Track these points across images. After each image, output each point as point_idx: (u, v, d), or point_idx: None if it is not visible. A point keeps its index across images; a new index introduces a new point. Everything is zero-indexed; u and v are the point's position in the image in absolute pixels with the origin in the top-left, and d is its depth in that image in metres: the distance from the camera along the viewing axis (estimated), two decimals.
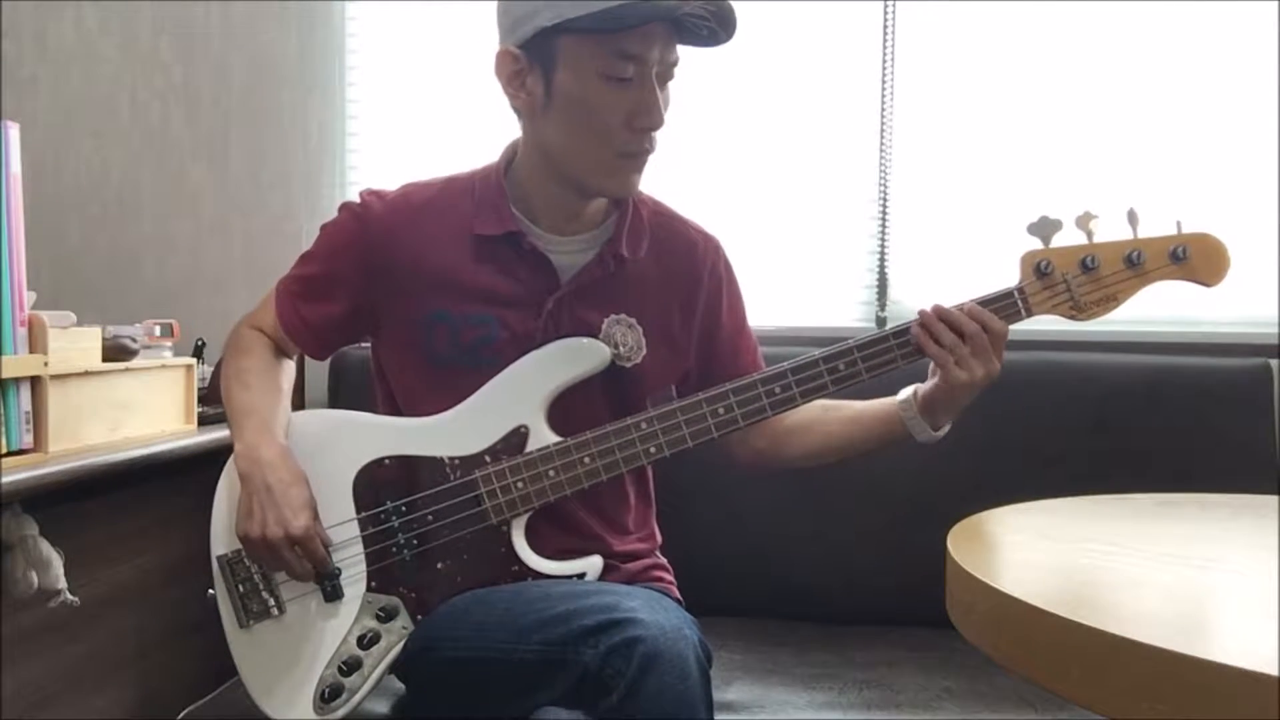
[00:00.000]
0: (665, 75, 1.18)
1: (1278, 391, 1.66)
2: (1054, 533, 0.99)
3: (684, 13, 1.12)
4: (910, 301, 1.88)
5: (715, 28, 1.15)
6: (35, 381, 1.28)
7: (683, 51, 1.20)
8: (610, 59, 1.14)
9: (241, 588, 1.21)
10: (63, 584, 1.28)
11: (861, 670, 1.42)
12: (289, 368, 1.36)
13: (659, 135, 1.20)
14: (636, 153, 1.20)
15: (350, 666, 1.16)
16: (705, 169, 1.90)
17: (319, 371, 1.79)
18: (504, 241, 1.25)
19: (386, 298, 1.28)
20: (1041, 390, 1.65)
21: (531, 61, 1.17)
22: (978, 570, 0.79)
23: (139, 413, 1.49)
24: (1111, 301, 1.20)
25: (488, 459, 1.21)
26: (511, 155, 1.29)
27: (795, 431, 1.33)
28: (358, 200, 1.30)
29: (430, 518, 1.21)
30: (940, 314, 1.19)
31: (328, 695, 1.16)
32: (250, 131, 2.01)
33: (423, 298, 1.26)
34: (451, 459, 1.22)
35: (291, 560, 1.16)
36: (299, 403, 1.37)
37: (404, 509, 1.21)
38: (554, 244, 1.27)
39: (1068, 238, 1.21)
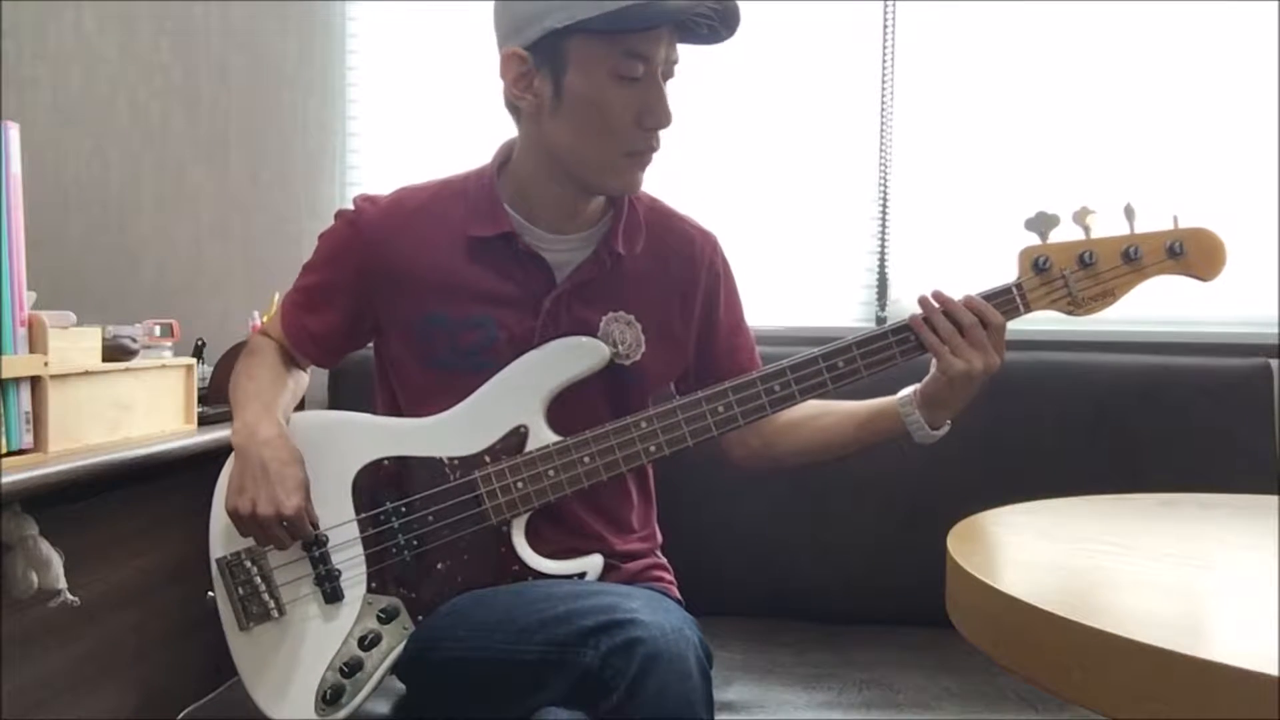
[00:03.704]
0: (668, 73, 1.19)
1: (1278, 391, 1.66)
2: (1054, 533, 0.99)
3: (695, 13, 1.13)
4: (910, 301, 1.87)
5: (717, 26, 1.16)
6: (35, 381, 1.28)
7: (684, 51, 1.20)
8: (621, 59, 1.14)
9: (241, 590, 1.21)
10: (63, 584, 1.27)
11: (861, 670, 1.42)
12: (299, 374, 1.36)
13: (665, 134, 1.21)
14: (644, 150, 1.20)
15: (351, 668, 1.16)
16: (705, 168, 1.90)
17: (319, 372, 1.78)
18: (498, 242, 1.25)
19: (384, 302, 1.28)
20: (1041, 390, 1.65)
21: (539, 63, 1.17)
22: (978, 570, 0.79)
23: (139, 413, 1.49)
24: (1109, 297, 1.21)
25: (487, 459, 1.21)
26: (505, 156, 1.29)
27: (790, 428, 1.33)
28: (352, 207, 1.31)
29: (430, 518, 1.21)
30: (939, 299, 1.20)
31: (329, 696, 1.16)
32: (250, 131, 2.01)
33: (419, 301, 1.26)
34: (451, 459, 1.22)
35: (280, 538, 1.16)
36: (299, 404, 1.37)
37: (404, 510, 1.21)
38: (549, 243, 1.27)
39: (1065, 233, 1.21)
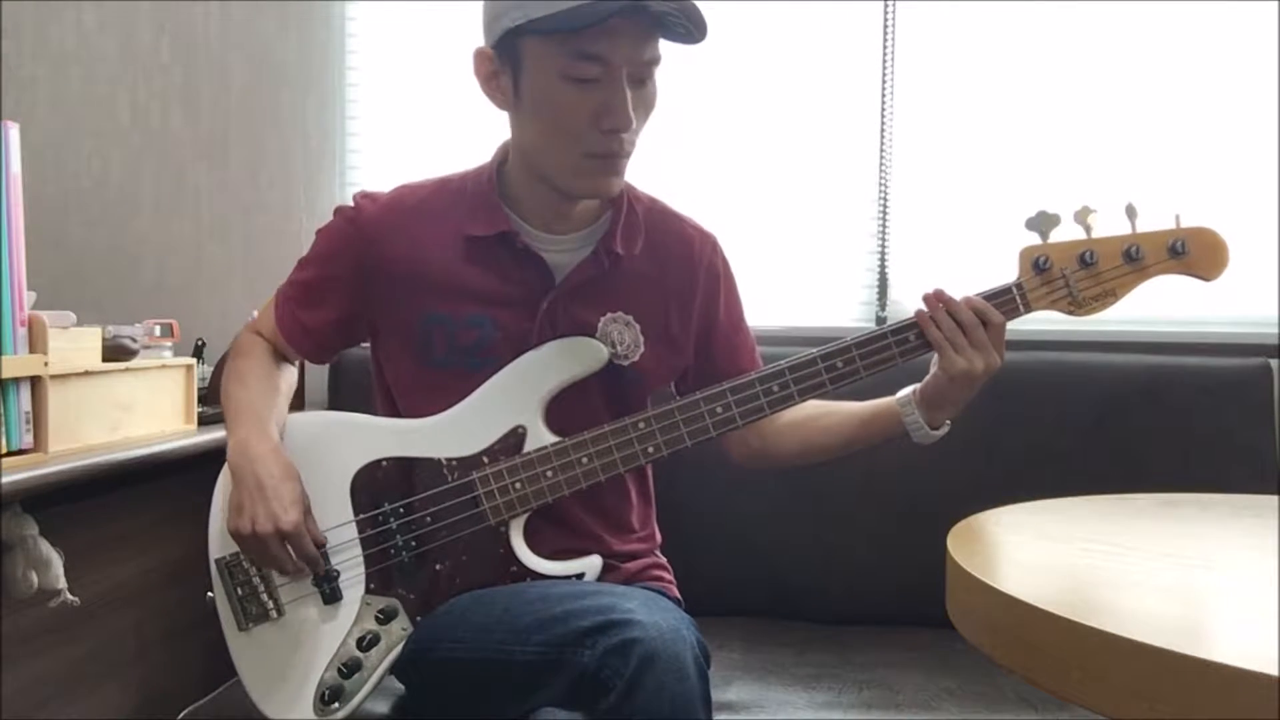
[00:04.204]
0: (638, 74, 1.15)
1: (1278, 391, 1.66)
2: (1054, 533, 0.99)
3: (654, 10, 1.09)
4: (910, 302, 1.88)
5: (685, 23, 1.12)
6: (35, 381, 1.28)
7: (683, 51, 1.19)
8: (570, 59, 1.12)
9: (240, 590, 1.21)
10: (63, 584, 1.28)
11: (861, 670, 1.42)
12: (289, 372, 1.36)
13: (645, 135, 1.19)
14: (605, 154, 1.17)
15: (350, 668, 1.16)
16: (705, 168, 1.90)
17: (319, 372, 1.79)
18: (497, 242, 1.25)
19: (382, 300, 1.28)
20: (1041, 390, 1.65)
21: (502, 62, 1.17)
22: (978, 570, 0.79)
23: (139, 413, 1.49)
24: (1110, 297, 1.20)
25: (485, 460, 1.21)
26: (504, 155, 1.29)
27: (790, 428, 1.33)
28: (351, 204, 1.30)
29: (428, 519, 1.21)
30: (942, 298, 1.19)
31: (328, 697, 1.16)
32: (250, 131, 2.01)
33: (418, 300, 1.26)
34: (449, 460, 1.22)
35: (282, 556, 1.16)
36: (298, 403, 1.37)
37: (402, 510, 1.21)
38: (547, 243, 1.27)
39: (1066, 233, 1.20)
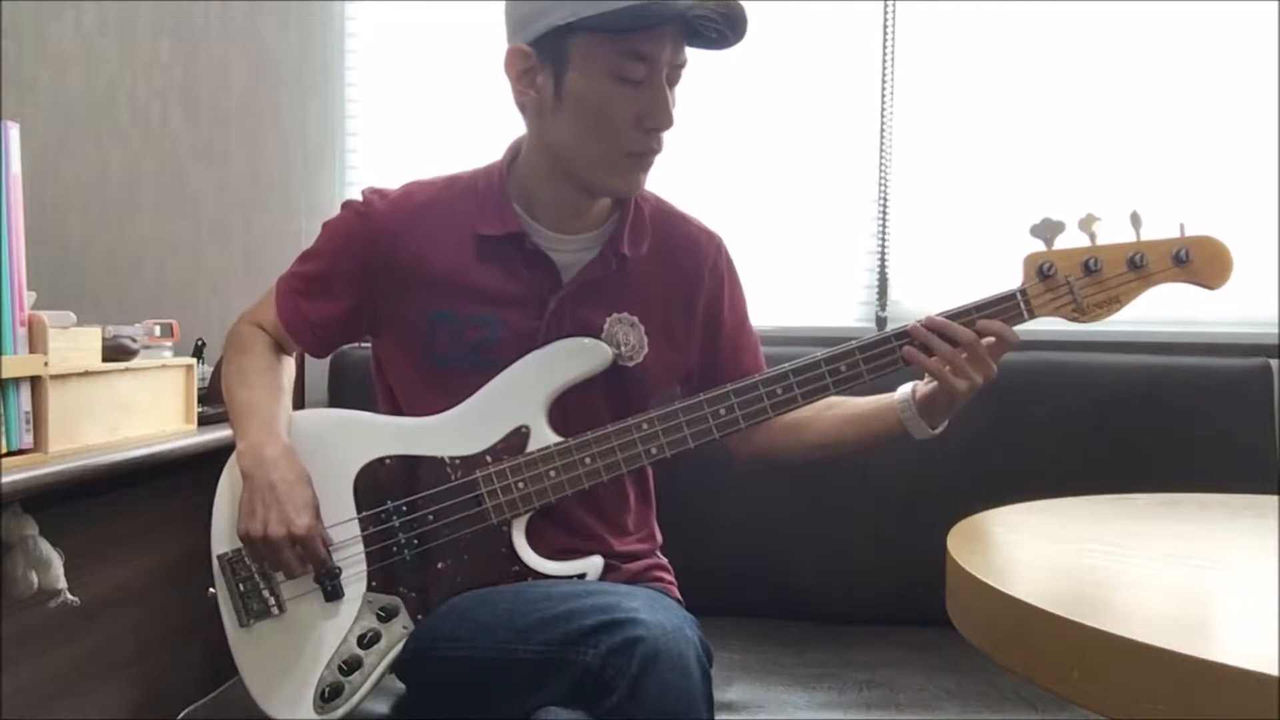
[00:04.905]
0: (674, 77, 1.18)
1: (1278, 391, 1.66)
2: (1054, 533, 0.99)
3: (697, 14, 1.12)
4: (910, 302, 1.88)
5: (725, 30, 1.15)
6: (35, 381, 1.28)
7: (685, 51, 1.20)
8: (622, 59, 1.14)
9: (242, 587, 1.21)
10: (63, 584, 1.27)
11: (861, 670, 1.42)
12: (289, 365, 1.36)
13: (666, 136, 1.20)
14: (644, 152, 1.20)
15: (350, 666, 1.16)
16: (706, 169, 1.90)
17: (319, 371, 1.79)
18: (506, 241, 1.25)
19: (388, 296, 1.28)
20: (1041, 390, 1.65)
21: (542, 59, 1.17)
22: (978, 570, 0.79)
23: (139, 413, 1.49)
24: (1114, 304, 1.20)
25: (488, 459, 1.21)
26: (515, 154, 1.29)
27: (794, 429, 1.33)
28: (360, 198, 1.30)
29: (431, 517, 1.21)
30: (931, 325, 1.19)
31: (328, 695, 1.16)
32: (250, 131, 2.01)
33: (425, 297, 1.26)
34: (452, 459, 1.22)
35: (292, 559, 1.16)
36: (299, 402, 1.37)
37: (404, 509, 1.21)
38: (556, 243, 1.27)
39: (1070, 240, 1.20)
